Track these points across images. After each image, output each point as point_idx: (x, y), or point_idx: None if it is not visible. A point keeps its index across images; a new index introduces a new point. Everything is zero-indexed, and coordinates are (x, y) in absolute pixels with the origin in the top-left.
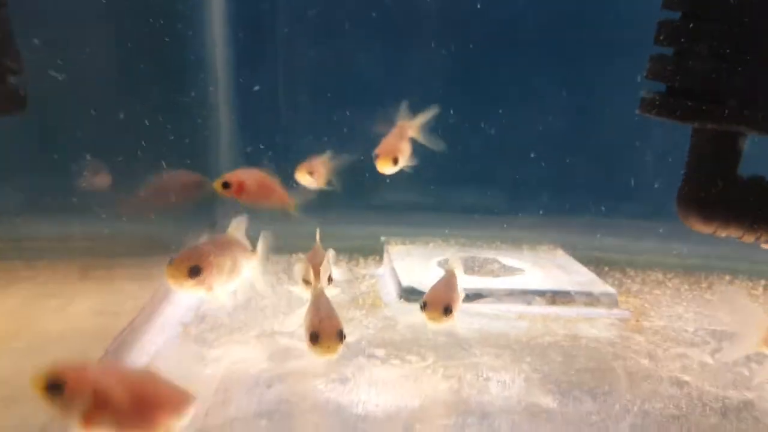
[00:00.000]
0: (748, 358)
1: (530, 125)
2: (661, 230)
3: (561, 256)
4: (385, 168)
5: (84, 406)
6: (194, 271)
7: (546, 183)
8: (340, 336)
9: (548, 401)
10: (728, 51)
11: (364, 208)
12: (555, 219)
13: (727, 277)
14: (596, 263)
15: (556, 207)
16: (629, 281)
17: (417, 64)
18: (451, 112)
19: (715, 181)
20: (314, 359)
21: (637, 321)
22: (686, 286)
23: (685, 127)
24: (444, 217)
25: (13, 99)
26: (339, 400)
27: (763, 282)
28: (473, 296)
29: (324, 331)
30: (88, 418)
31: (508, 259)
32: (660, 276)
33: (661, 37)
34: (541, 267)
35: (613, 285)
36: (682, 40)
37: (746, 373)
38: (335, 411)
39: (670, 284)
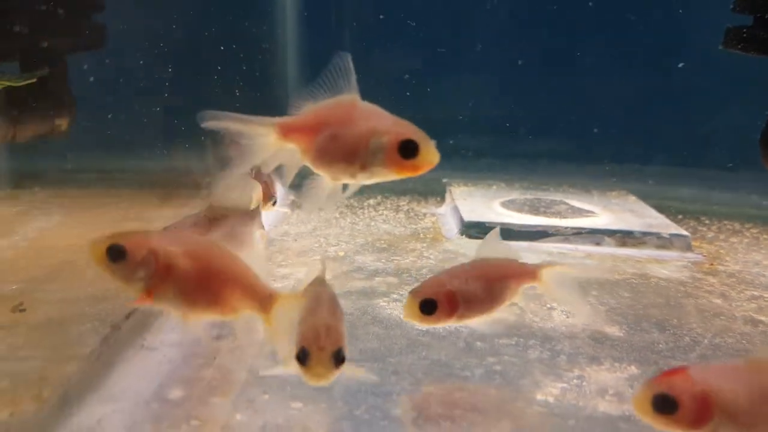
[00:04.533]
0: None
1: (603, 72)
2: (739, 181)
3: (633, 201)
4: None
5: (147, 275)
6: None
7: (617, 131)
8: (337, 358)
9: (614, 330)
10: None
11: None
12: (626, 167)
13: None
14: (669, 212)
15: (627, 156)
16: (704, 228)
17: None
18: (519, 63)
19: None
20: (376, 282)
21: (711, 264)
22: (765, 236)
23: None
24: (508, 164)
25: (95, 36)
26: (400, 316)
27: None
28: (538, 235)
29: (316, 351)
30: (150, 288)
31: (576, 201)
32: (737, 225)
33: None
34: (612, 210)
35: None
36: None
37: None
38: (396, 325)
39: (747, 234)
